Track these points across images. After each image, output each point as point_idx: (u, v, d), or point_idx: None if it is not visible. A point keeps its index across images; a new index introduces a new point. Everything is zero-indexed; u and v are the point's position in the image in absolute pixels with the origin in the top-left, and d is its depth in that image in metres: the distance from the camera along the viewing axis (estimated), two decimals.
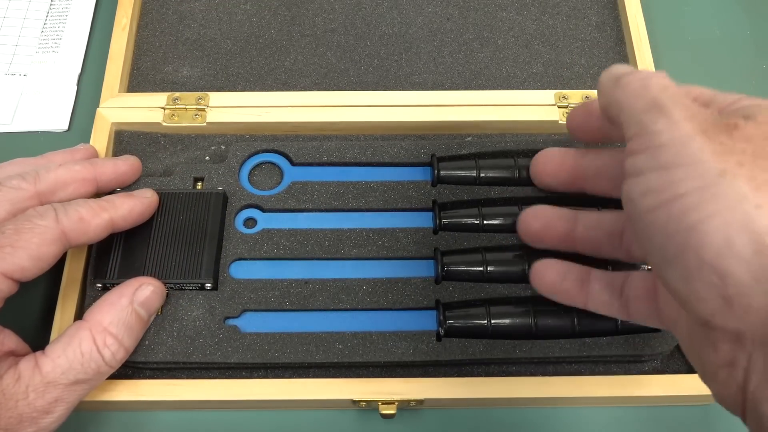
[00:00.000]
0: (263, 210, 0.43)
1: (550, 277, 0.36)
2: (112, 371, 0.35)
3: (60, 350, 0.34)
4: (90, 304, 0.39)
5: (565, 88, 0.48)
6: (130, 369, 0.39)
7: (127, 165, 0.41)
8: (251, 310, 0.40)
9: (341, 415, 0.40)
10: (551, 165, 0.39)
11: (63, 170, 0.38)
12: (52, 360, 0.33)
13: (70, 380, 0.33)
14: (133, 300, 0.36)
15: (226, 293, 0.40)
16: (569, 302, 0.35)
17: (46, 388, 0.33)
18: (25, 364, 0.33)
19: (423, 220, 0.42)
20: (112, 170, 0.40)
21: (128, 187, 0.41)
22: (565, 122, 0.46)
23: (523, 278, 0.40)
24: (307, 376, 0.39)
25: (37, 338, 0.41)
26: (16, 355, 0.34)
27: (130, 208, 0.38)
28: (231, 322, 0.39)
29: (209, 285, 0.39)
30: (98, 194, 0.40)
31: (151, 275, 0.39)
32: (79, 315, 0.39)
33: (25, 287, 0.37)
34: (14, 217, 0.35)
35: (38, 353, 0.34)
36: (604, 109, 0.30)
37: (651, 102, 0.27)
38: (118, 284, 0.38)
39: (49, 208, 0.35)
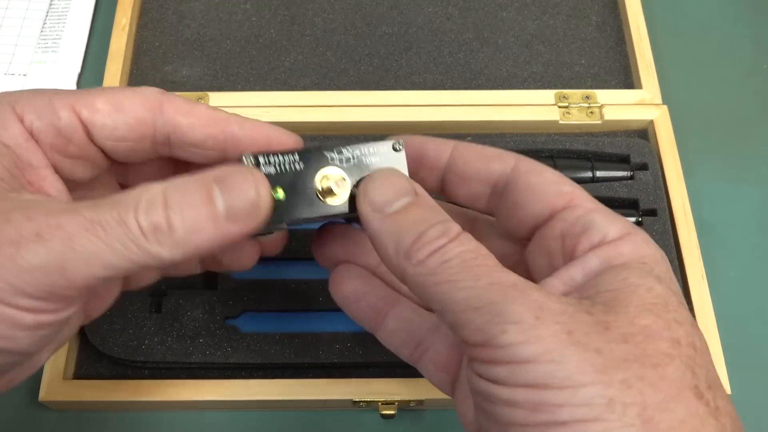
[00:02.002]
0: None
1: (347, 291, 0.30)
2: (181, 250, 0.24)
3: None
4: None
5: (565, 88, 0.48)
6: (130, 369, 0.39)
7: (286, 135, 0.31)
8: (251, 310, 0.40)
9: (341, 416, 0.40)
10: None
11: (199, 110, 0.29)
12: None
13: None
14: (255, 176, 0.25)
15: (226, 293, 0.40)
16: (360, 323, 0.31)
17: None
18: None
19: None
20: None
21: None
22: (565, 122, 0.46)
23: None
24: (307, 376, 0.39)
25: None
26: None
27: (266, 126, 0.30)
28: (231, 322, 0.39)
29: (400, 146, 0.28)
30: None
31: None
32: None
33: None
34: None
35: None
36: (392, 271, 0.25)
37: (481, 299, 0.22)
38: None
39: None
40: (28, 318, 0.23)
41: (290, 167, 0.27)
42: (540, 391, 0.21)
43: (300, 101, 0.46)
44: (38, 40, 0.52)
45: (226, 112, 0.29)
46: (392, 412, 0.37)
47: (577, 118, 0.46)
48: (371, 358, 0.38)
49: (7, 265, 0.22)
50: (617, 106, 0.47)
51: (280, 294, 0.40)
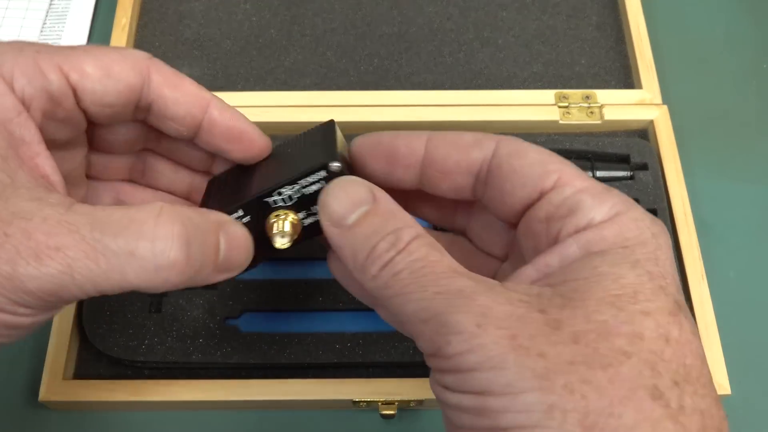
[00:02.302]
0: None
1: (344, 272, 0.30)
2: (150, 277, 0.24)
3: (111, 211, 0.24)
4: (90, 304, 0.39)
5: (565, 88, 0.48)
6: (130, 369, 0.39)
7: (254, 131, 0.31)
8: (251, 310, 0.40)
9: (341, 416, 0.40)
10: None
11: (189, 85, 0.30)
12: (92, 209, 0.24)
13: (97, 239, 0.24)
14: (222, 227, 0.26)
15: (226, 293, 0.40)
16: (359, 299, 0.31)
17: (60, 225, 0.23)
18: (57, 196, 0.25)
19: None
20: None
21: None
22: (565, 122, 0.46)
23: None
24: (307, 376, 0.39)
25: (36, 338, 0.41)
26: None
27: (238, 115, 0.30)
28: (231, 322, 0.39)
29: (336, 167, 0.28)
30: None
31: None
32: (78, 314, 0.39)
33: None
34: None
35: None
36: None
37: (428, 311, 0.22)
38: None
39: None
40: (26, 321, 0.24)
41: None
42: (483, 398, 0.21)
43: (300, 101, 0.46)
44: (38, 40, 0.52)
45: (210, 92, 0.29)
46: (392, 412, 0.37)
47: (577, 118, 0.46)
48: (371, 358, 0.38)
49: (4, 284, 0.22)
50: (617, 106, 0.47)
51: (280, 294, 0.40)
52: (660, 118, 0.46)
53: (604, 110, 0.46)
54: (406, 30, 0.51)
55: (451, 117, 0.46)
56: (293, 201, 0.28)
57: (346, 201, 0.25)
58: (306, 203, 0.28)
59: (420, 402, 0.38)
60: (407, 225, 0.25)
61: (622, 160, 0.44)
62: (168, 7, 0.52)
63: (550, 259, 0.24)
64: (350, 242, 0.25)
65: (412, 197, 0.30)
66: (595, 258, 0.23)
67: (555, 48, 0.50)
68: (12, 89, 0.25)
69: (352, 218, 0.25)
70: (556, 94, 0.47)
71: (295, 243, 0.29)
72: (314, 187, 0.28)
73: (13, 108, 0.25)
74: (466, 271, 0.24)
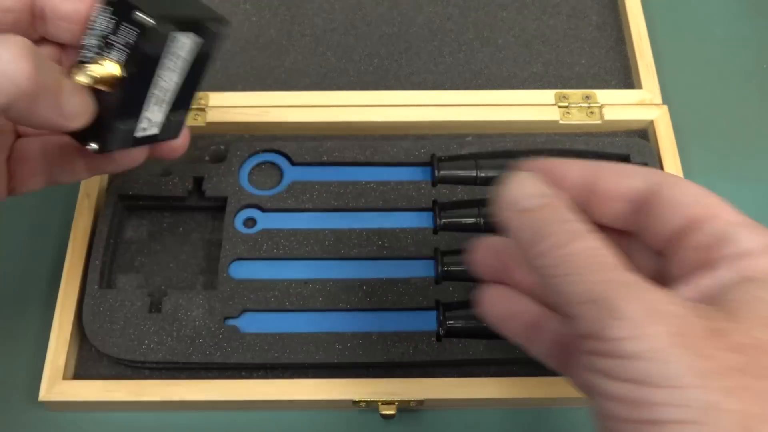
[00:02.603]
0: (263, 210, 0.43)
1: (499, 312, 0.32)
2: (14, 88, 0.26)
3: None
4: (90, 304, 0.39)
5: (565, 88, 0.48)
6: (130, 369, 0.39)
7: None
8: (251, 310, 0.40)
9: (341, 416, 0.40)
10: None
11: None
12: None
13: None
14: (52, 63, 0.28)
15: (226, 293, 0.40)
16: (512, 339, 0.32)
17: None
18: None
19: (423, 220, 0.42)
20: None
21: None
22: (565, 122, 0.46)
23: None
24: (306, 376, 0.39)
25: (36, 338, 0.41)
26: None
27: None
28: (231, 322, 0.39)
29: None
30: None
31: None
32: (78, 315, 0.39)
33: (23, 287, 0.37)
34: None
35: None
36: (526, 263, 0.27)
37: (594, 293, 0.23)
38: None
39: None
40: None
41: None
42: (641, 388, 0.21)
43: (300, 101, 0.46)
44: None
45: None
46: (392, 412, 0.37)
47: (577, 118, 0.46)
48: (371, 358, 0.38)
49: None
50: (617, 106, 0.47)
51: (280, 294, 0.40)
52: (660, 118, 0.46)
53: (604, 110, 0.46)
54: (406, 30, 0.51)
55: (451, 117, 0.46)
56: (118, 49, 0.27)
57: (527, 190, 0.28)
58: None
59: (420, 402, 0.38)
60: (583, 219, 0.26)
61: (622, 160, 0.44)
62: None
63: (706, 282, 0.25)
64: (527, 223, 0.27)
65: None
66: (752, 284, 0.24)
67: (555, 48, 0.50)
68: None
69: (529, 204, 0.27)
70: (556, 94, 0.47)
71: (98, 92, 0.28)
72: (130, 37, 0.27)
73: None
74: (636, 269, 0.24)
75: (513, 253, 0.32)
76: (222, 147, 0.45)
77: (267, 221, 0.42)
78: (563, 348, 0.30)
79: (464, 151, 0.44)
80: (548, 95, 0.47)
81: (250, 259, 0.41)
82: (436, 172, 0.43)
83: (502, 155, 0.44)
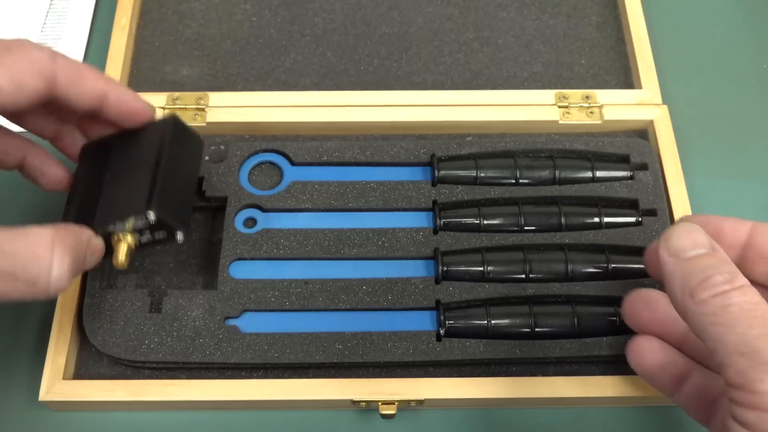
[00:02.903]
0: (263, 210, 0.43)
1: (650, 364, 0.34)
2: (42, 296, 0.30)
3: (12, 237, 0.30)
4: (90, 304, 0.39)
5: (565, 88, 0.48)
6: (130, 369, 0.39)
7: (142, 106, 0.36)
8: (251, 310, 0.40)
9: (341, 415, 0.40)
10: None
11: (91, 71, 0.35)
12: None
13: (4, 269, 0.29)
14: (89, 243, 0.33)
15: (226, 293, 0.40)
16: (657, 389, 0.35)
17: None
18: None
19: (423, 220, 0.42)
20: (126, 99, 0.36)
21: None
22: (565, 122, 0.46)
23: (523, 278, 0.40)
24: (306, 376, 0.39)
25: (36, 338, 0.41)
26: None
27: (130, 96, 0.35)
28: (231, 322, 0.39)
29: (152, 217, 0.34)
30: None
31: (101, 221, 0.35)
32: (78, 315, 0.39)
33: None
34: (11, 40, 0.32)
35: None
36: (677, 309, 0.29)
37: (749, 346, 0.25)
38: None
39: (48, 47, 0.33)
40: None
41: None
42: None
43: (300, 101, 0.46)
44: (38, 40, 0.52)
45: (108, 81, 0.35)
46: (392, 412, 0.37)
47: (577, 118, 0.46)
48: (371, 358, 0.38)
49: None
50: (617, 106, 0.47)
51: (280, 294, 0.40)
52: (660, 118, 0.46)
53: (604, 110, 0.46)
54: (406, 30, 0.51)
55: (451, 117, 0.46)
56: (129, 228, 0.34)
57: (688, 239, 0.29)
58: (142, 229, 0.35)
59: (420, 402, 0.38)
60: (741, 274, 0.28)
61: (622, 160, 0.44)
62: (168, 7, 0.52)
63: None
64: (684, 270, 0.29)
65: None
66: None
67: (555, 48, 0.50)
68: None
69: (690, 254, 0.29)
70: (556, 94, 0.47)
71: (133, 254, 0.35)
72: (141, 224, 0.34)
73: None
74: None
75: (665, 304, 0.34)
76: (222, 147, 0.45)
77: (267, 221, 0.42)
78: (706, 399, 0.32)
79: (464, 151, 0.44)
80: (548, 95, 0.47)
81: (250, 259, 0.41)
82: (436, 172, 0.43)
83: (502, 155, 0.44)
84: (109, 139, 0.38)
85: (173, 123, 0.37)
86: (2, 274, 0.29)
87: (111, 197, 0.35)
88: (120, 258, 0.35)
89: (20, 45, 0.32)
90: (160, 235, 0.35)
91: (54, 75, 0.32)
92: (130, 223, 0.34)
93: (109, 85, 0.35)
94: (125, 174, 0.36)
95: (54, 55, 0.33)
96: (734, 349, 0.25)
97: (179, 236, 0.36)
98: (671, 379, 0.33)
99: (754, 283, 0.31)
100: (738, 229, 0.32)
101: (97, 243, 0.34)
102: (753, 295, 0.27)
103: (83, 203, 0.36)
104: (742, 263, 0.32)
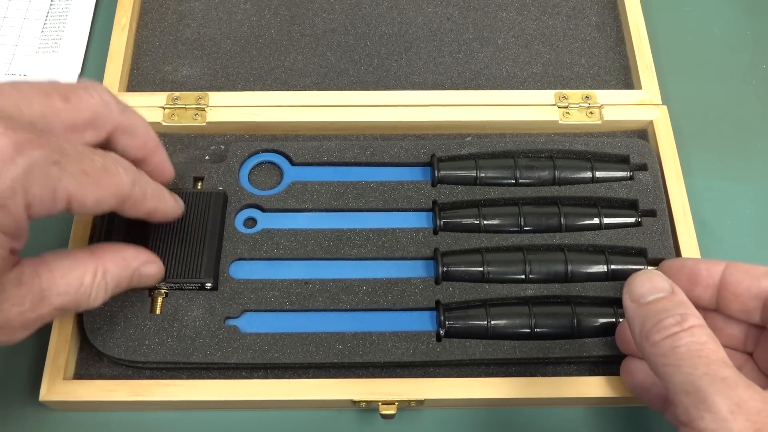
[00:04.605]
0: (263, 210, 0.43)
1: (639, 383, 0.36)
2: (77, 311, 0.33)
3: (65, 270, 0.31)
4: None
5: (565, 88, 0.48)
6: (130, 369, 0.39)
7: (176, 204, 0.38)
8: (251, 311, 0.40)
9: (341, 416, 0.40)
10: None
11: (146, 129, 0.36)
12: (53, 276, 0.31)
13: (59, 304, 0.31)
14: (139, 268, 0.35)
15: (226, 293, 0.40)
16: (648, 405, 0.36)
17: (40, 302, 0.30)
18: (29, 268, 0.30)
19: (423, 220, 0.42)
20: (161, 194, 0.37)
21: None
22: (564, 122, 0.46)
23: (523, 279, 0.40)
24: (307, 376, 0.39)
25: (36, 338, 0.41)
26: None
27: (171, 207, 0.37)
28: (231, 322, 0.39)
29: (209, 284, 0.39)
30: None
31: None
32: (79, 315, 0.39)
33: None
34: (105, 152, 0.32)
35: (38, 261, 0.31)
36: (639, 351, 0.31)
37: (692, 385, 0.27)
38: None
39: (134, 168, 0.33)
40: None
41: None
42: None
43: (300, 101, 0.46)
44: (39, 40, 0.52)
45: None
46: (392, 412, 0.38)
47: (576, 118, 0.46)
48: (371, 358, 0.38)
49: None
50: (617, 106, 0.47)
51: (280, 294, 0.40)
52: (659, 119, 0.46)
53: (604, 110, 0.46)
54: (405, 30, 0.51)
55: (451, 117, 0.46)
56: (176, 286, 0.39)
57: (648, 285, 0.32)
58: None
59: (420, 402, 0.38)
60: (694, 315, 0.30)
61: (621, 161, 0.44)
62: (168, 7, 0.52)
63: None
64: (642, 314, 0.31)
65: (709, 320, 0.35)
66: None
67: (555, 48, 0.50)
68: (23, 204, 0.28)
69: (648, 298, 0.31)
70: (555, 95, 0.47)
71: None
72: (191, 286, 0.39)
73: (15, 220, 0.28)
74: (733, 366, 0.28)
75: None
76: (222, 147, 0.45)
77: (267, 221, 0.42)
78: None
79: (464, 151, 0.44)
80: (548, 95, 0.47)
81: (250, 259, 0.41)
82: (436, 172, 0.43)
83: (502, 155, 0.44)
84: None
85: (224, 198, 0.42)
86: (58, 310, 0.31)
87: (161, 255, 0.38)
88: (157, 311, 0.39)
89: (116, 162, 0.32)
90: (192, 285, 0.39)
91: (126, 199, 0.33)
92: (182, 283, 0.39)
93: (162, 200, 0.36)
94: (175, 236, 0.40)
95: (135, 178, 0.33)
96: (681, 388, 0.28)
97: (208, 285, 0.39)
98: (658, 399, 0.35)
99: (731, 320, 0.34)
100: (712, 270, 0.34)
101: (152, 271, 0.36)
102: (701, 335, 0.29)
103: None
104: (719, 302, 0.34)
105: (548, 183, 0.43)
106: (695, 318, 0.30)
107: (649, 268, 0.35)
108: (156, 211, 0.35)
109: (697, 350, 0.28)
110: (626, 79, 0.49)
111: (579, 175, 0.43)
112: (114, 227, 0.40)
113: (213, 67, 0.49)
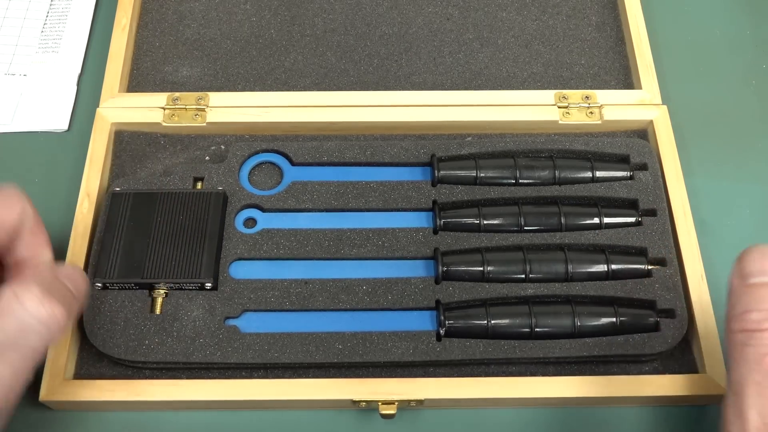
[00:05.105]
0: (263, 210, 0.43)
1: None
2: (45, 329, 0.31)
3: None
4: (90, 305, 0.39)
5: (565, 88, 0.48)
6: (130, 369, 0.39)
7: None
8: (251, 310, 0.40)
9: (341, 415, 0.40)
10: None
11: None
12: None
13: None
14: (54, 272, 0.34)
15: (226, 293, 0.40)
16: None
17: None
18: None
19: (423, 220, 0.42)
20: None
21: None
22: (564, 122, 0.46)
23: (523, 279, 0.40)
24: (307, 376, 0.39)
25: None
26: None
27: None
28: (231, 322, 0.39)
29: (209, 285, 0.39)
30: None
31: (150, 274, 0.39)
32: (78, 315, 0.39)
33: None
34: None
35: None
36: None
37: (739, 385, 0.28)
38: (118, 283, 0.38)
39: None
40: None
41: None
42: None
43: (300, 101, 0.46)
44: (39, 40, 0.52)
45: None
46: (392, 412, 0.37)
47: (576, 118, 0.46)
48: (371, 357, 0.38)
49: None
50: (617, 106, 0.47)
51: (280, 294, 0.40)
52: (659, 118, 0.46)
53: (604, 110, 0.46)
54: (406, 30, 0.51)
55: (451, 117, 0.46)
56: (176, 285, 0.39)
57: (758, 265, 0.30)
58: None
59: (420, 402, 0.38)
60: None
61: (621, 160, 0.44)
62: (168, 7, 0.52)
63: None
64: (737, 294, 0.30)
65: None
66: None
67: (555, 48, 0.50)
68: None
69: (753, 281, 0.30)
70: (555, 95, 0.47)
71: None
72: (191, 286, 0.40)
73: None
74: None
75: None
76: (222, 147, 0.45)
77: (267, 221, 0.42)
78: None
79: (464, 151, 0.44)
80: (548, 95, 0.47)
81: (250, 259, 0.41)
82: (436, 172, 0.43)
83: (502, 155, 0.44)
84: (146, 195, 0.41)
85: (224, 199, 0.42)
86: (22, 356, 0.31)
87: (162, 255, 0.39)
88: (157, 310, 0.39)
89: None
90: (192, 285, 0.39)
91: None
92: (182, 283, 0.39)
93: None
94: (176, 236, 0.40)
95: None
96: (732, 387, 0.28)
97: (208, 285, 0.39)
98: None
99: None
100: None
101: (70, 271, 0.34)
102: (761, 346, 0.29)
103: (124, 253, 0.40)
104: None
105: (548, 183, 0.43)
106: None
107: None
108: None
109: (762, 356, 0.28)
110: (626, 79, 0.49)
111: (579, 175, 0.43)
112: (111, 246, 0.40)
113: (213, 68, 0.49)
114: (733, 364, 0.29)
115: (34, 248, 0.35)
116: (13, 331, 0.30)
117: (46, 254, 0.36)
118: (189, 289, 0.40)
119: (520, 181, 0.43)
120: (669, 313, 0.39)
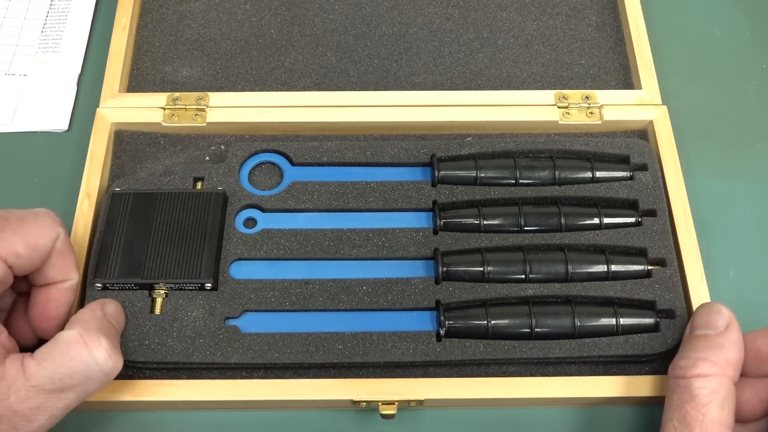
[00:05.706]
0: (263, 210, 0.43)
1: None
2: (105, 378, 0.34)
3: (47, 353, 0.32)
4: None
5: (565, 88, 0.48)
6: (130, 369, 0.39)
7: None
8: (251, 311, 0.40)
9: (341, 416, 0.40)
10: None
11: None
12: (37, 362, 0.32)
13: (55, 386, 0.32)
14: (104, 312, 0.36)
15: (226, 293, 0.40)
16: None
17: (29, 392, 0.31)
18: (11, 363, 0.32)
19: (423, 220, 0.42)
20: None
21: None
22: (564, 122, 0.46)
23: (523, 279, 0.40)
24: (307, 376, 0.39)
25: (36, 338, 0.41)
26: (4, 350, 0.33)
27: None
28: (231, 322, 0.39)
29: (209, 285, 0.39)
30: None
31: (150, 275, 0.39)
32: None
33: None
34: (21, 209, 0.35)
35: (26, 354, 0.32)
36: None
37: (665, 427, 0.32)
38: (118, 284, 0.38)
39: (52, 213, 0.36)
40: None
41: None
42: None
43: (300, 101, 0.46)
44: (39, 40, 0.52)
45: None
46: (392, 412, 0.38)
47: (576, 118, 0.46)
48: (371, 358, 0.38)
49: None
50: (617, 106, 0.47)
51: (280, 294, 0.40)
52: (659, 119, 0.46)
53: (604, 110, 0.46)
54: (406, 30, 0.51)
55: (451, 117, 0.46)
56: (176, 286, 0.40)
57: (704, 319, 0.34)
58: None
59: (420, 402, 0.38)
60: (713, 361, 0.32)
61: (621, 161, 0.44)
62: (168, 7, 0.52)
63: None
64: (682, 345, 0.35)
65: None
66: None
67: (555, 48, 0.50)
68: None
69: (698, 332, 0.34)
70: (555, 95, 0.47)
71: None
72: (191, 286, 0.40)
73: None
74: (722, 426, 0.31)
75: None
76: (222, 147, 0.45)
77: (267, 221, 0.42)
78: None
79: (464, 152, 0.44)
80: (548, 95, 0.47)
81: (250, 259, 0.41)
82: (436, 172, 0.43)
83: (502, 155, 0.44)
84: (146, 195, 0.41)
85: (224, 199, 0.42)
86: (77, 396, 0.33)
87: (162, 255, 0.39)
88: (157, 311, 0.39)
89: (32, 212, 0.35)
90: (192, 285, 0.39)
91: (62, 235, 0.36)
92: (182, 283, 0.39)
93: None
94: (176, 237, 0.40)
95: (58, 219, 0.36)
96: (661, 426, 0.32)
97: (208, 285, 0.39)
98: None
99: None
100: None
101: (113, 308, 0.37)
102: (709, 394, 0.31)
103: (124, 253, 0.40)
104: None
105: (548, 183, 0.43)
106: (709, 365, 0.32)
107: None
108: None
109: (682, 402, 0.31)
110: (626, 79, 0.49)
111: (579, 175, 0.43)
112: (111, 247, 0.40)
113: (213, 68, 0.49)
114: (665, 406, 0.33)
115: (64, 271, 0.36)
116: (80, 377, 0.32)
117: (74, 277, 0.37)
118: (189, 290, 0.40)
119: (520, 181, 0.43)
120: (669, 314, 0.39)
